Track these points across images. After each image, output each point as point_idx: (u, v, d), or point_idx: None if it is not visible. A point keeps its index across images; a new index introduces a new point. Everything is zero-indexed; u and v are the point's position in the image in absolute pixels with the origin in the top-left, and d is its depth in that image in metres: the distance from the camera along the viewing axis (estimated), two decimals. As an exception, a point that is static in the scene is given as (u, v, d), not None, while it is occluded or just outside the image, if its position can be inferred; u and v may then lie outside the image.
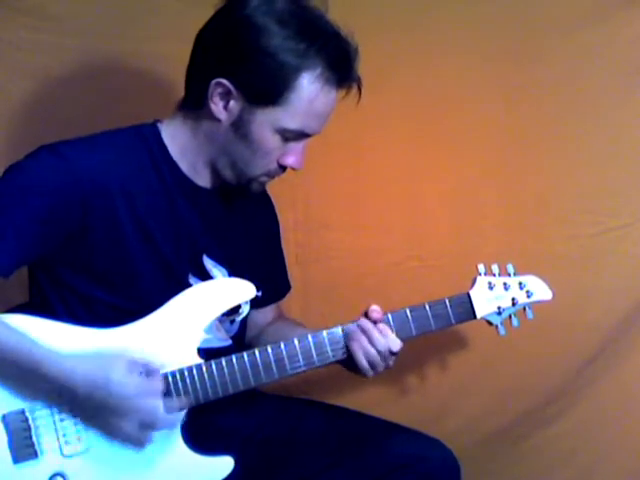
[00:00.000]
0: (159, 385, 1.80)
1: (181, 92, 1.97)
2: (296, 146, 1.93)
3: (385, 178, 2.56)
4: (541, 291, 2.08)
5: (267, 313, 2.24)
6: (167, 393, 1.85)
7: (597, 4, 2.43)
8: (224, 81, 1.86)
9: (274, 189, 2.20)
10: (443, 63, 2.49)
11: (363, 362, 1.95)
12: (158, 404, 1.79)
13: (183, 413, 1.86)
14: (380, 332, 1.95)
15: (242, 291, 1.96)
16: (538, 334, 2.46)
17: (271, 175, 1.98)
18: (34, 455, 1.79)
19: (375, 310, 1.97)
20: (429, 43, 2.49)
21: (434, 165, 2.54)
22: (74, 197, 1.84)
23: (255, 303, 2.14)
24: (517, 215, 2.52)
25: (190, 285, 1.96)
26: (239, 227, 2.08)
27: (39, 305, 1.93)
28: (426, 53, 2.48)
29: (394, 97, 2.51)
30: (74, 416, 1.81)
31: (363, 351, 1.95)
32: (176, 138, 1.96)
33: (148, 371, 1.79)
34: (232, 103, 1.87)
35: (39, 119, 2.40)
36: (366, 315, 1.97)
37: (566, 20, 2.44)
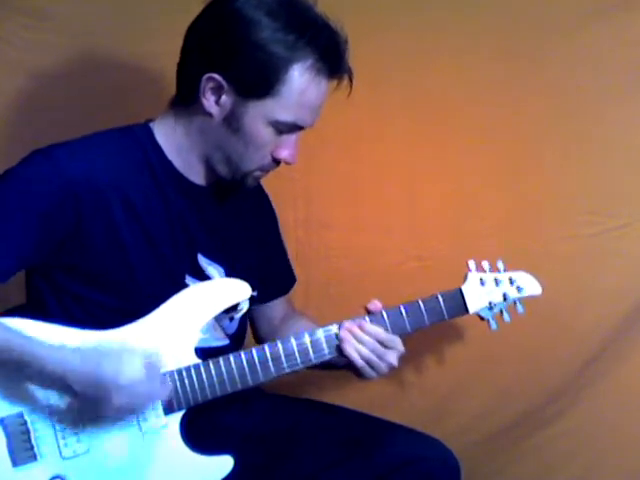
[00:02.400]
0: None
1: (181, 91, 1.98)
2: (289, 139, 1.93)
3: (385, 178, 2.56)
4: (531, 286, 2.10)
5: (276, 307, 2.24)
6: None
7: (597, 5, 2.43)
8: (215, 76, 1.86)
9: (274, 188, 2.20)
10: (443, 63, 2.49)
11: (360, 362, 1.96)
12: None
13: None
14: (364, 331, 1.95)
15: (238, 291, 1.97)
16: (538, 334, 2.48)
17: (265, 169, 1.98)
18: (33, 458, 1.79)
19: (372, 303, 1.98)
20: (429, 43, 2.48)
21: (434, 165, 2.54)
22: (67, 200, 1.84)
23: (260, 297, 2.14)
24: (517, 215, 2.52)
25: (186, 285, 1.97)
26: (234, 224, 2.08)
27: (36, 307, 1.93)
28: (426, 53, 2.48)
29: (394, 97, 2.51)
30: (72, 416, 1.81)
31: (356, 351, 1.95)
32: (169, 136, 1.96)
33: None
34: (224, 97, 1.88)
35: (38, 119, 2.40)
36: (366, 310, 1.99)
37: (566, 21, 2.44)
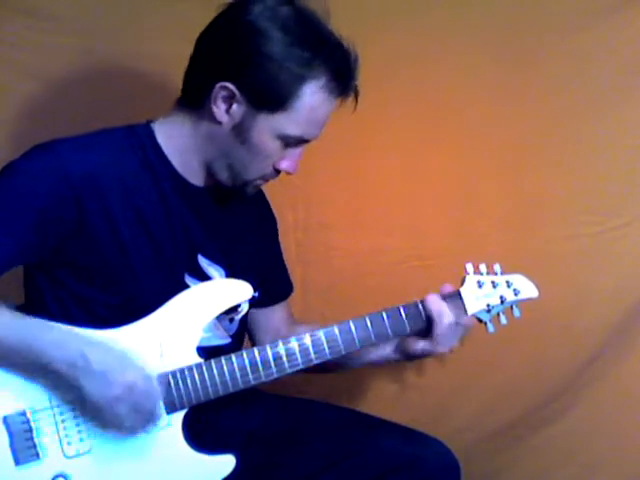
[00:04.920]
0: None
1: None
2: (294, 151, 1.94)
3: (385, 178, 2.57)
4: (528, 289, 2.10)
5: (273, 314, 2.23)
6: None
7: (597, 5, 2.43)
8: (229, 85, 1.86)
9: (274, 189, 2.20)
10: (443, 63, 2.49)
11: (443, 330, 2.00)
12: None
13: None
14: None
15: (240, 291, 1.97)
16: (538, 334, 2.48)
17: (266, 178, 1.99)
18: (36, 456, 1.78)
19: (445, 286, 2.04)
20: (429, 44, 2.48)
21: (434, 165, 2.54)
22: (68, 194, 1.83)
23: (257, 303, 2.14)
24: (517, 215, 2.53)
25: (186, 284, 1.97)
26: (234, 225, 2.08)
27: (35, 306, 1.93)
28: (426, 54, 2.48)
29: (394, 97, 2.51)
30: (75, 414, 1.82)
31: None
32: (173, 137, 1.96)
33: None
34: (235, 107, 1.88)
35: (39, 119, 2.40)
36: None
37: (566, 21, 2.44)
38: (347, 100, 1.94)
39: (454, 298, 2.03)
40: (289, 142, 1.91)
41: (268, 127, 1.88)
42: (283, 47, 1.83)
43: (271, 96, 1.86)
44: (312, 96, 1.87)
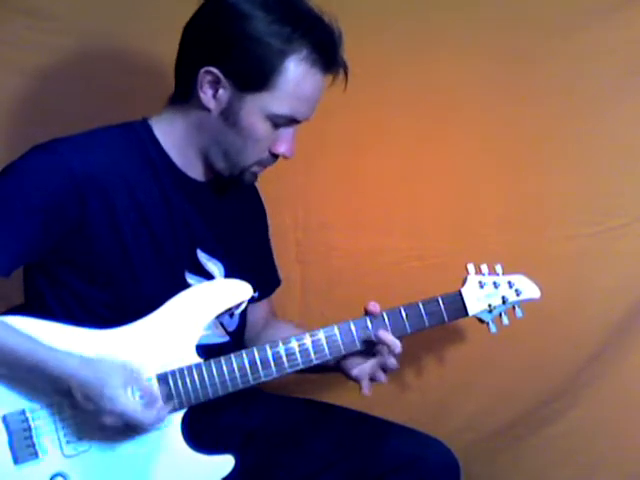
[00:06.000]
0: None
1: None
2: (286, 133, 1.94)
3: (385, 178, 2.56)
4: (529, 290, 2.11)
5: (259, 309, 2.23)
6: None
7: (597, 5, 2.43)
8: (213, 69, 1.87)
9: (273, 189, 2.21)
10: (443, 63, 2.49)
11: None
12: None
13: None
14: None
15: (240, 292, 1.97)
16: (538, 334, 2.47)
17: (263, 164, 1.98)
18: (35, 455, 1.78)
19: (371, 304, 1.99)
20: (430, 43, 2.49)
21: (434, 165, 2.54)
22: (70, 194, 1.84)
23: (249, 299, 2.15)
24: (517, 215, 2.52)
25: (186, 281, 1.97)
26: (232, 220, 2.09)
27: (36, 306, 1.93)
28: (426, 53, 2.48)
29: (394, 97, 2.51)
30: (74, 414, 1.81)
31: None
32: (168, 132, 1.97)
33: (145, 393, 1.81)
34: (221, 91, 1.89)
35: (39, 119, 2.41)
36: (365, 311, 2.00)
37: (566, 21, 2.44)
38: (337, 79, 1.93)
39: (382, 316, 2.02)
40: (278, 122, 1.91)
41: (256, 108, 1.88)
42: (264, 26, 1.85)
43: (255, 75, 1.86)
44: (295, 70, 1.87)
